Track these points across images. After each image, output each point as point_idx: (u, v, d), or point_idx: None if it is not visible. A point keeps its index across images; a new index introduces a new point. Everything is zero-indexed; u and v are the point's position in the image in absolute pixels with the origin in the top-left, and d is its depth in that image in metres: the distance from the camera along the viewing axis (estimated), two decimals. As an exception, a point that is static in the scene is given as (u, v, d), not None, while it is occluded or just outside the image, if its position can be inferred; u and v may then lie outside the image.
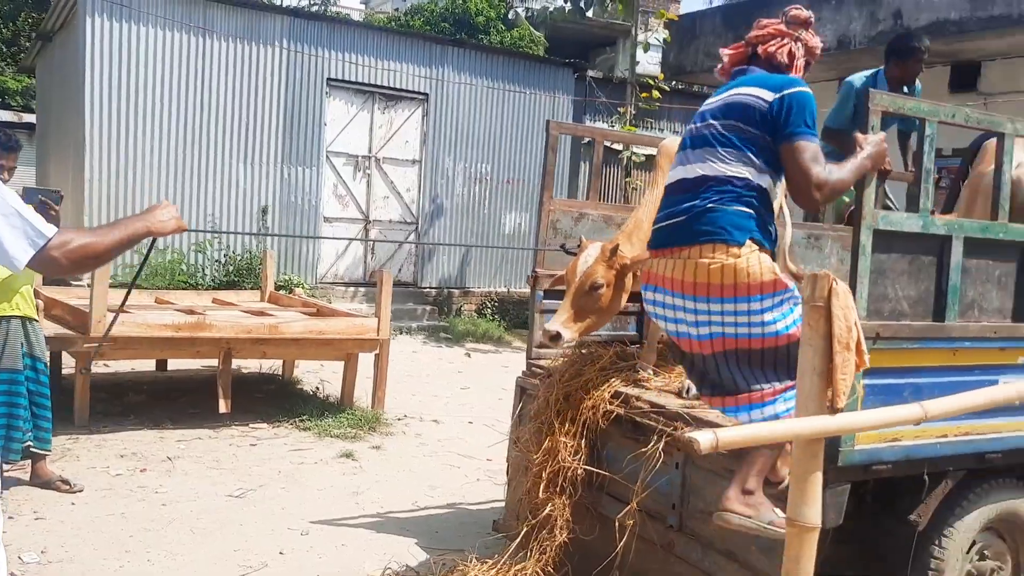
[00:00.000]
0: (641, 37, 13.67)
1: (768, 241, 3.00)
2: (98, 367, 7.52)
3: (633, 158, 13.91)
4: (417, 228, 13.43)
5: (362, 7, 26.73)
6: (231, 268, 11.53)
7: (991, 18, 9.79)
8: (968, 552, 3.53)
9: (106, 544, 4.49)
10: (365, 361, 7.50)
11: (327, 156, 12.59)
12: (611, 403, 3.90)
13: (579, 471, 3.88)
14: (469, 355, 11.14)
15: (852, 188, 2.93)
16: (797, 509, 2.14)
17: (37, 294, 5.56)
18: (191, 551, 4.50)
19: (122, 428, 6.50)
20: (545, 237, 4.70)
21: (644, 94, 13.44)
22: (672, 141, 4.07)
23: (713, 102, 3.17)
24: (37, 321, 5.19)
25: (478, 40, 15.68)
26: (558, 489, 3.89)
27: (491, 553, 4.09)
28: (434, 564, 4.09)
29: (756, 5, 10.10)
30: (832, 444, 2.88)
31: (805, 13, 3.24)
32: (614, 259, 3.81)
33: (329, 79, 12.44)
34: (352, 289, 12.77)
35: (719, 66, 3.33)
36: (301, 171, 12.34)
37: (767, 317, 2.92)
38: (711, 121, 3.08)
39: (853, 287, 2.80)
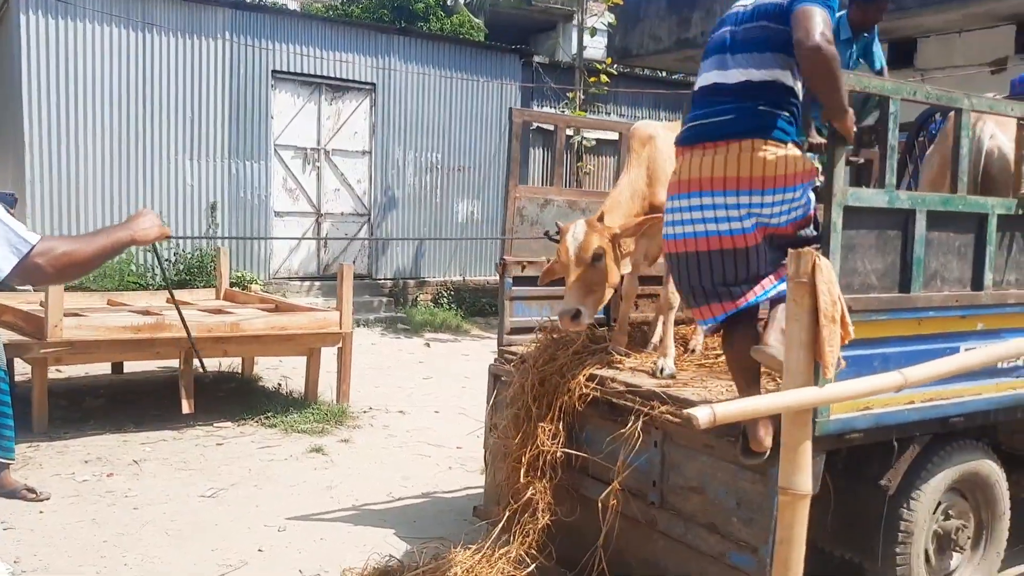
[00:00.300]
0: (588, 22, 13.74)
1: (802, 142, 3.20)
2: (52, 373, 7.35)
3: (584, 143, 14.00)
4: (370, 220, 13.35)
5: (299, -3, 26.25)
6: (182, 267, 11.34)
7: (929, -5, 10.04)
8: (935, 513, 3.69)
9: (80, 551, 4.42)
10: (326, 355, 7.46)
11: (275, 149, 12.44)
12: (587, 386, 3.96)
13: (558, 454, 3.94)
14: (429, 345, 11.14)
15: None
16: (789, 478, 2.21)
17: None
18: (168, 553, 4.45)
19: (83, 433, 6.38)
20: (512, 224, 4.74)
21: (593, 79, 13.52)
22: (643, 124, 4.15)
23: (742, 6, 3.27)
24: (-7, 328, 5.07)
25: (418, 28, 15.57)
26: (539, 473, 3.94)
27: (472, 539, 4.13)
28: (417, 553, 4.10)
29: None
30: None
31: None
32: (604, 227, 3.88)
33: (274, 71, 12.27)
34: (308, 284, 12.66)
35: None
36: (249, 166, 12.18)
37: (803, 201, 3.16)
38: (747, 25, 3.18)
39: (825, 263, 2.89)
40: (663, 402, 3.62)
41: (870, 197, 3.09)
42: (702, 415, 1.96)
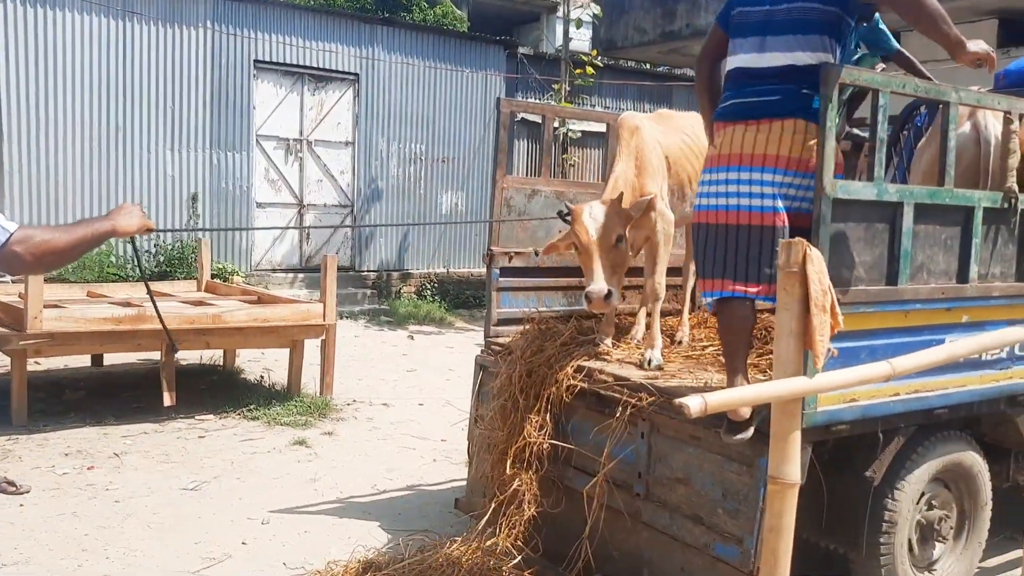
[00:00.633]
0: (573, 13, 13.71)
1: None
2: (31, 365, 7.26)
3: (570, 134, 13.99)
4: (353, 211, 13.27)
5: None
6: (162, 259, 11.24)
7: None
8: (918, 503, 3.71)
9: (61, 544, 4.37)
10: (309, 347, 7.41)
11: (257, 140, 12.33)
12: (574, 377, 3.95)
13: (545, 446, 3.93)
14: (412, 337, 11.10)
15: None
16: (778, 467, 2.21)
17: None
18: (150, 546, 4.41)
19: (63, 426, 6.31)
20: (499, 214, 4.71)
21: (578, 70, 13.50)
22: (629, 115, 4.14)
23: None
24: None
25: (401, 18, 15.48)
26: (525, 464, 3.94)
27: (458, 532, 4.12)
28: (402, 546, 4.09)
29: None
30: (796, 406, 2.98)
31: None
32: (623, 209, 3.92)
33: (256, 61, 12.16)
34: (290, 275, 12.57)
35: None
36: (231, 156, 12.07)
37: None
38: (789, 4, 3.16)
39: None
40: (651, 394, 3.62)
41: (859, 190, 3.09)
42: (694, 404, 1.96)
